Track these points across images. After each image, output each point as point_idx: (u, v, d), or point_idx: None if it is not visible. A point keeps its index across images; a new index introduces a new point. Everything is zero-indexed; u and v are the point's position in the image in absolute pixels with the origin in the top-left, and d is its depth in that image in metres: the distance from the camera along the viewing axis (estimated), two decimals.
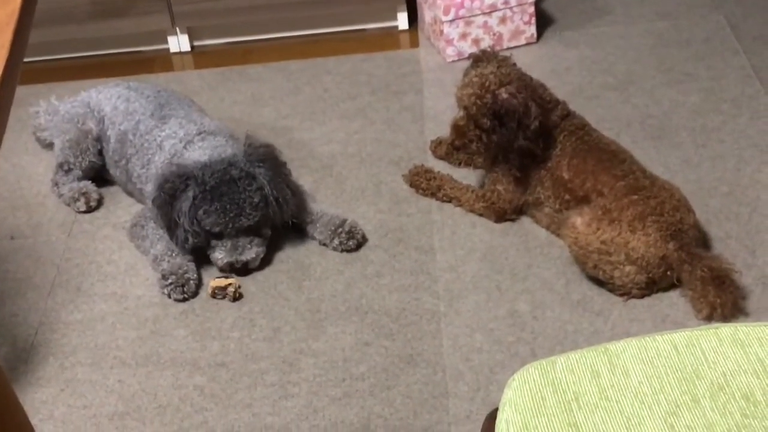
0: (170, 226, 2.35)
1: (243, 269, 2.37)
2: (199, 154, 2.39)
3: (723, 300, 2.12)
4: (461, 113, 2.41)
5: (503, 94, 2.32)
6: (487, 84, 2.34)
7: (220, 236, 2.36)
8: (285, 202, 2.40)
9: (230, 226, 2.33)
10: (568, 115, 2.40)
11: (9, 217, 2.65)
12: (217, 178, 2.31)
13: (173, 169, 2.34)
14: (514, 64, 2.42)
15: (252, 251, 2.37)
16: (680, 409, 1.18)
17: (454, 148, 2.49)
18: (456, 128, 2.42)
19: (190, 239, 2.34)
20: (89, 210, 2.63)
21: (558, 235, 2.38)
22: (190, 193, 2.31)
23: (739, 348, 1.25)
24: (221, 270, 2.39)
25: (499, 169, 2.44)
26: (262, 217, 2.36)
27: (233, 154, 2.36)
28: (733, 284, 2.15)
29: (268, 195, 2.36)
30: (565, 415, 1.20)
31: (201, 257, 2.44)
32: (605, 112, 2.77)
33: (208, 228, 2.33)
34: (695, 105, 2.80)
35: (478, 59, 2.45)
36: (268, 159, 2.39)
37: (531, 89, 2.35)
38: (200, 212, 2.31)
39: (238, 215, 2.33)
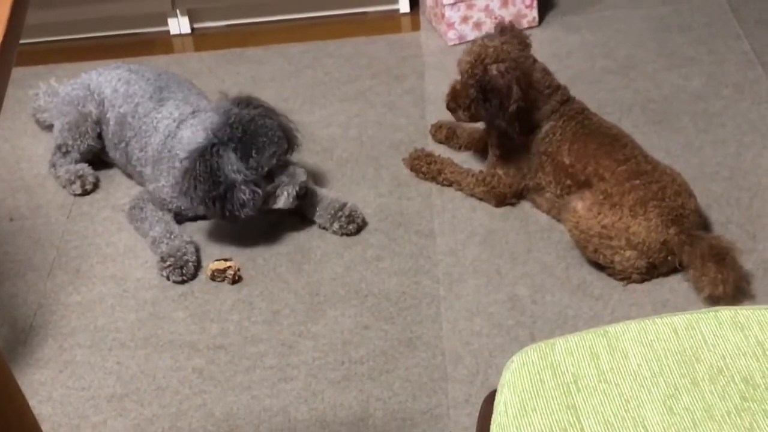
0: (224, 200, 2.31)
1: (306, 193, 2.39)
2: (191, 131, 2.38)
3: (725, 276, 2.11)
4: (459, 78, 2.42)
5: (493, 70, 2.32)
6: (483, 56, 2.34)
7: (271, 177, 2.35)
8: (292, 128, 2.43)
9: (279, 153, 2.34)
10: (567, 100, 2.39)
11: (8, 198, 2.64)
12: (238, 127, 2.31)
13: (193, 155, 2.32)
14: (526, 45, 2.40)
15: (302, 173, 2.39)
16: (679, 392, 1.18)
17: (447, 108, 2.49)
18: (452, 90, 2.46)
19: (254, 191, 2.32)
20: (85, 193, 2.62)
21: (559, 220, 2.38)
22: (229, 152, 2.30)
23: (739, 331, 1.25)
24: (291, 204, 2.39)
25: (502, 153, 2.44)
26: (287, 142, 2.39)
27: (228, 107, 2.36)
28: (734, 261, 2.15)
29: (281, 123, 2.38)
30: (564, 397, 1.19)
31: (201, 238, 2.44)
32: (606, 96, 2.76)
33: (265, 168, 2.32)
34: (697, 89, 2.79)
35: (500, 30, 2.43)
36: (250, 98, 2.41)
37: (524, 72, 2.33)
38: (252, 161, 2.31)
39: (279, 140, 2.34)
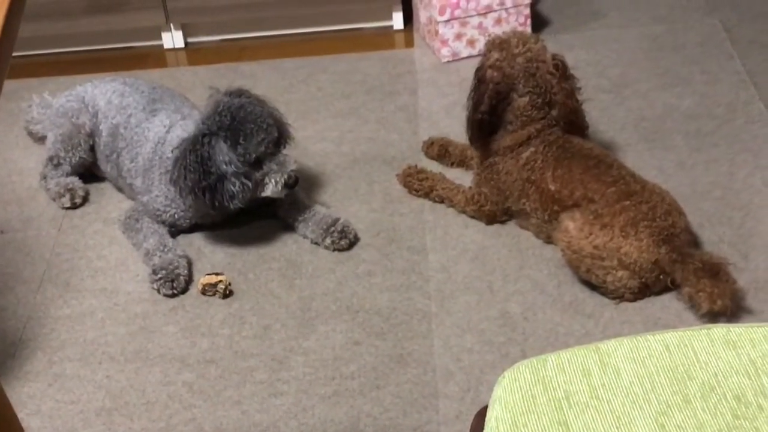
0: (214, 192, 2.31)
1: (296, 182, 2.38)
2: (181, 130, 2.40)
3: (721, 290, 2.10)
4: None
5: (493, 65, 2.33)
6: (505, 51, 2.35)
7: (259, 165, 2.34)
8: (284, 120, 2.43)
9: (268, 140, 2.33)
10: (549, 126, 2.38)
11: None
12: (227, 114, 2.31)
13: (183, 145, 2.33)
14: (555, 74, 2.39)
15: (292, 161, 2.38)
16: (671, 409, 1.18)
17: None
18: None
19: (243, 183, 2.32)
20: (74, 206, 2.61)
21: (548, 243, 2.38)
22: (220, 142, 2.30)
23: (731, 349, 1.24)
24: (280, 192, 2.38)
25: (481, 171, 2.44)
26: (278, 132, 2.38)
27: (219, 97, 2.37)
28: (728, 275, 2.14)
29: (271, 113, 2.38)
30: (555, 413, 1.19)
31: (193, 253, 2.43)
32: (600, 114, 2.77)
33: (253, 157, 2.31)
34: (689, 109, 2.79)
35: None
36: (241, 89, 2.40)
37: (512, 88, 2.35)
38: (240, 148, 2.30)
39: (269, 128, 2.33)
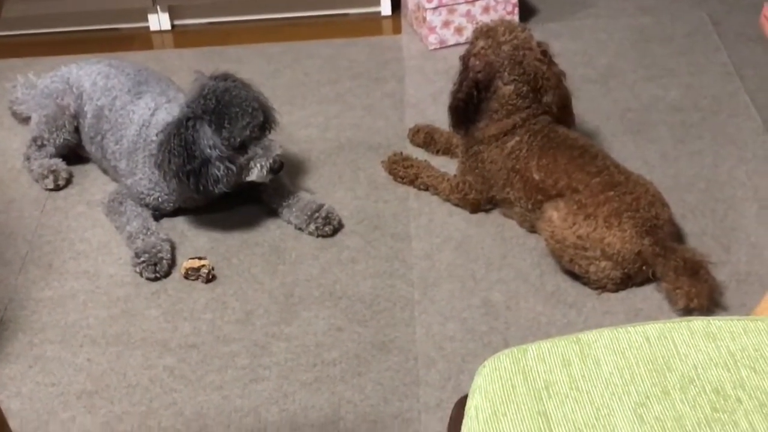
0: (198, 176, 2.31)
1: (281, 166, 2.37)
2: (166, 113, 2.39)
3: (698, 289, 2.12)
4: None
5: (478, 53, 2.33)
6: (491, 39, 2.35)
7: (244, 150, 2.33)
8: (269, 105, 2.42)
9: (254, 124, 2.32)
10: (535, 115, 2.38)
11: None
12: (212, 98, 2.30)
13: (168, 129, 2.32)
14: (543, 60, 2.38)
15: (277, 146, 2.37)
16: (650, 401, 1.18)
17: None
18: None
19: (228, 167, 2.31)
20: (57, 188, 2.60)
21: (532, 231, 2.38)
22: (205, 126, 2.29)
23: (711, 341, 1.25)
24: (265, 177, 2.37)
25: (466, 160, 2.44)
26: (263, 116, 2.36)
27: (204, 80, 2.36)
28: (707, 274, 2.16)
29: (257, 97, 2.37)
30: (535, 403, 1.19)
31: (176, 236, 2.42)
32: (585, 105, 2.77)
33: (238, 140, 2.30)
34: (675, 100, 2.80)
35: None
36: (226, 74, 2.39)
37: (496, 76, 2.35)
38: (224, 132, 2.29)
39: (254, 112, 2.32)
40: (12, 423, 1.46)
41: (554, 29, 3.12)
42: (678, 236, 2.32)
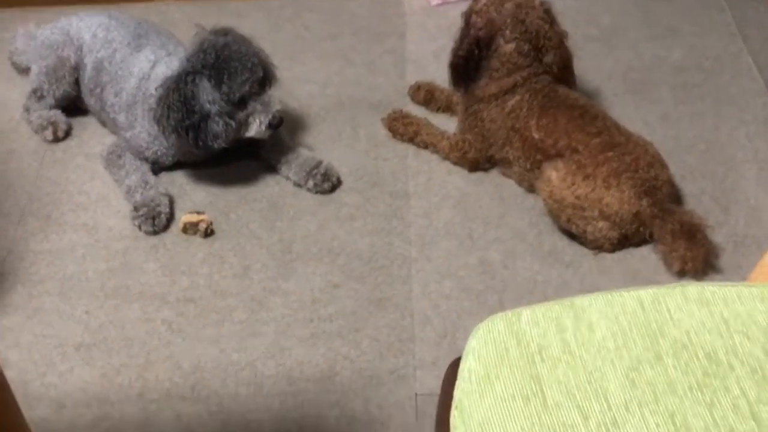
0: (197, 131, 2.30)
1: (280, 122, 2.36)
2: (165, 67, 2.38)
3: (694, 253, 2.13)
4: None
5: (480, 11, 2.32)
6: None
7: (243, 105, 2.33)
8: (269, 61, 2.41)
9: (253, 79, 2.31)
10: (536, 74, 2.37)
11: None
12: (212, 53, 2.29)
13: (167, 83, 2.31)
14: (546, 19, 2.37)
15: (277, 101, 2.37)
16: (642, 365, 1.19)
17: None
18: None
19: (227, 122, 2.31)
20: (56, 140, 2.60)
21: (530, 192, 2.38)
22: (204, 81, 2.29)
23: (705, 307, 1.25)
24: (264, 132, 2.37)
25: (465, 118, 2.44)
26: (263, 72, 2.36)
27: (204, 35, 2.35)
28: (704, 238, 2.16)
29: (257, 52, 2.36)
30: (528, 366, 1.20)
31: (175, 191, 2.42)
32: (587, 64, 2.76)
33: (237, 95, 2.30)
34: (677, 61, 2.79)
35: None
36: (226, 28, 2.38)
37: (492, 36, 2.33)
38: (224, 87, 2.29)
39: (253, 67, 2.32)
40: (9, 373, 1.47)
41: None
42: (677, 197, 2.32)
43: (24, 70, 2.76)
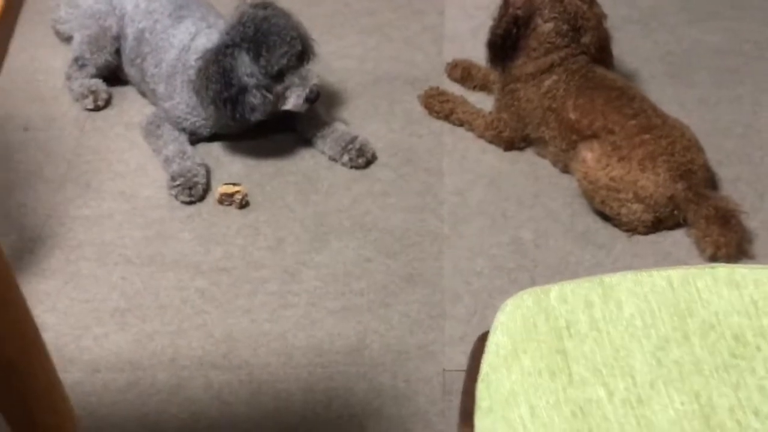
0: (235, 103, 2.32)
1: (317, 96, 2.38)
2: (206, 39, 2.40)
3: (727, 239, 2.12)
4: None
5: None
6: None
7: (281, 78, 2.35)
8: (308, 36, 2.42)
9: (291, 53, 2.33)
10: (573, 54, 2.36)
11: (24, 108, 2.65)
12: (251, 26, 2.31)
13: (207, 55, 2.33)
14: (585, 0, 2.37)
15: (314, 76, 2.38)
16: (669, 344, 1.20)
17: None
18: None
19: (264, 95, 2.33)
20: (97, 108, 2.63)
21: (565, 172, 2.38)
22: (243, 54, 2.31)
23: (734, 288, 1.26)
24: (301, 106, 2.39)
25: (502, 97, 2.44)
26: (301, 46, 2.37)
27: (244, 8, 2.37)
28: (738, 224, 2.16)
29: (295, 24, 2.37)
30: (555, 342, 1.21)
31: (212, 162, 2.45)
32: (625, 46, 2.74)
33: (275, 69, 2.32)
34: (717, 44, 2.77)
35: None
36: (266, 2, 2.40)
37: (536, 13, 2.33)
38: (262, 60, 2.31)
39: (292, 41, 2.33)
40: (46, 336, 1.50)
41: None
42: (712, 182, 2.31)
43: (67, 39, 2.79)
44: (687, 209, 2.18)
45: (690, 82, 2.65)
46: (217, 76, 2.30)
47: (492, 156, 2.46)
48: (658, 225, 2.23)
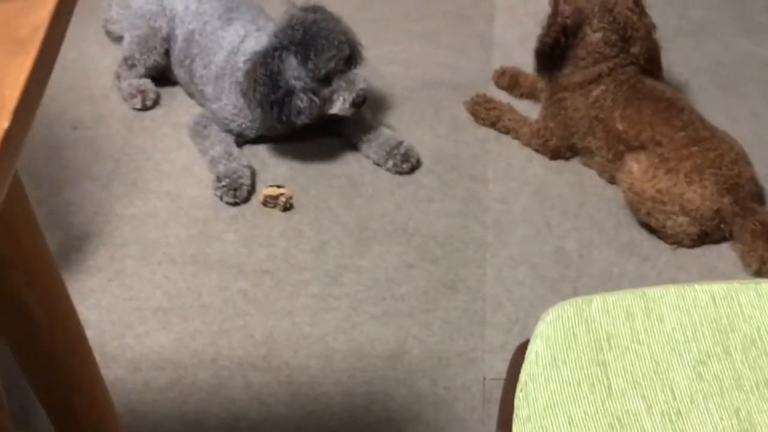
0: (282, 106, 2.34)
1: (363, 100, 2.38)
2: (254, 41, 2.42)
3: None
4: None
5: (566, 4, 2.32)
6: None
7: (328, 82, 2.36)
8: (357, 41, 2.43)
9: (339, 57, 2.34)
10: (622, 65, 2.35)
11: (73, 106, 2.69)
12: (299, 29, 2.33)
13: (255, 58, 2.35)
14: (635, 10, 2.36)
15: (361, 80, 2.39)
16: (710, 359, 1.19)
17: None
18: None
19: (311, 98, 2.34)
20: (145, 108, 2.65)
21: (611, 183, 2.37)
22: (291, 57, 2.33)
23: None
24: (347, 110, 2.40)
25: (549, 105, 2.43)
26: (349, 50, 2.38)
27: (293, 11, 2.38)
28: None
29: (344, 29, 2.38)
30: (595, 353, 1.21)
31: (257, 163, 2.46)
32: (675, 57, 2.72)
33: (323, 72, 2.33)
34: None
35: None
36: (317, 6, 2.41)
37: (585, 22, 2.32)
38: (310, 63, 2.32)
39: (340, 45, 2.34)
40: (89, 333, 1.51)
41: None
42: (760, 196, 2.29)
43: (117, 39, 2.82)
44: (733, 223, 2.16)
45: (740, 94, 2.62)
46: (264, 79, 2.31)
47: (538, 164, 2.45)
48: (703, 238, 2.21)
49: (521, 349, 1.32)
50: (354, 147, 2.50)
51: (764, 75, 2.68)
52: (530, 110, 2.56)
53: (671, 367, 1.18)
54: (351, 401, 1.95)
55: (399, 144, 2.44)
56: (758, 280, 1.30)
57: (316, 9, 2.39)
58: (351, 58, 2.39)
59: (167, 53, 2.66)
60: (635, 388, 1.16)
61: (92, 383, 1.55)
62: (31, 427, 1.87)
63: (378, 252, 2.24)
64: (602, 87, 2.34)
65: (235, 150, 2.46)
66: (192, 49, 2.56)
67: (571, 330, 1.24)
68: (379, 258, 2.23)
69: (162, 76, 2.71)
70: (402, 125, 2.58)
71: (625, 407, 1.14)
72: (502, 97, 2.62)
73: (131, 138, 2.58)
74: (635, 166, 2.22)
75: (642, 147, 2.25)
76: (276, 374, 2.00)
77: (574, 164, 2.45)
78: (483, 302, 2.12)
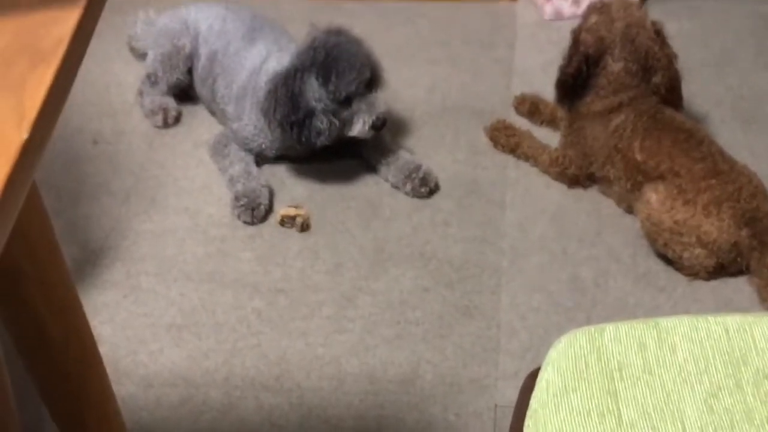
0: (302, 127, 2.35)
1: (383, 123, 2.39)
2: (276, 62, 2.43)
3: None
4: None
5: (590, 28, 2.32)
6: (605, 15, 2.34)
7: (348, 104, 2.36)
8: (378, 64, 2.44)
9: (360, 80, 2.35)
10: (642, 95, 2.35)
11: (94, 121, 2.71)
12: (321, 51, 2.34)
13: (276, 78, 2.36)
14: (656, 40, 2.37)
15: (382, 103, 2.39)
16: (722, 392, 1.18)
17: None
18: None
19: (331, 120, 2.35)
20: (166, 125, 2.67)
21: (628, 212, 2.36)
22: (312, 78, 2.34)
23: None
24: (367, 133, 2.40)
25: (568, 134, 2.43)
26: (370, 73, 2.39)
27: (316, 33, 2.39)
28: None
29: (366, 52, 2.39)
30: (606, 382, 1.20)
31: (276, 183, 2.47)
32: (696, 88, 2.72)
33: (343, 94, 2.33)
34: None
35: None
36: (340, 29, 2.42)
37: (606, 52, 2.33)
38: (330, 85, 2.33)
39: (362, 67, 2.35)
40: (102, 349, 1.52)
41: (673, 8, 3.06)
42: None
43: (141, 55, 2.84)
44: (750, 256, 2.15)
45: (761, 128, 2.62)
46: (285, 99, 2.32)
47: (556, 192, 2.45)
48: (720, 271, 2.20)
49: (532, 376, 1.31)
50: (373, 169, 2.51)
51: None
52: (550, 138, 2.56)
53: (682, 399, 1.17)
54: (362, 425, 1.94)
55: (418, 168, 2.44)
56: None
57: (338, 32, 2.40)
58: (372, 81, 2.40)
59: (190, 71, 2.68)
60: (645, 419, 1.16)
61: (103, 398, 1.56)
62: None
63: (393, 275, 2.24)
64: (622, 116, 2.33)
65: (255, 169, 2.47)
66: (215, 68, 2.58)
67: (583, 359, 1.24)
68: (395, 281, 2.23)
69: (184, 94, 2.73)
70: (421, 149, 2.58)
71: None
72: (521, 123, 2.62)
73: (151, 154, 2.60)
74: (653, 196, 2.22)
75: (661, 178, 2.25)
76: (288, 396, 1.99)
77: (593, 193, 2.44)
78: (497, 329, 2.11)
